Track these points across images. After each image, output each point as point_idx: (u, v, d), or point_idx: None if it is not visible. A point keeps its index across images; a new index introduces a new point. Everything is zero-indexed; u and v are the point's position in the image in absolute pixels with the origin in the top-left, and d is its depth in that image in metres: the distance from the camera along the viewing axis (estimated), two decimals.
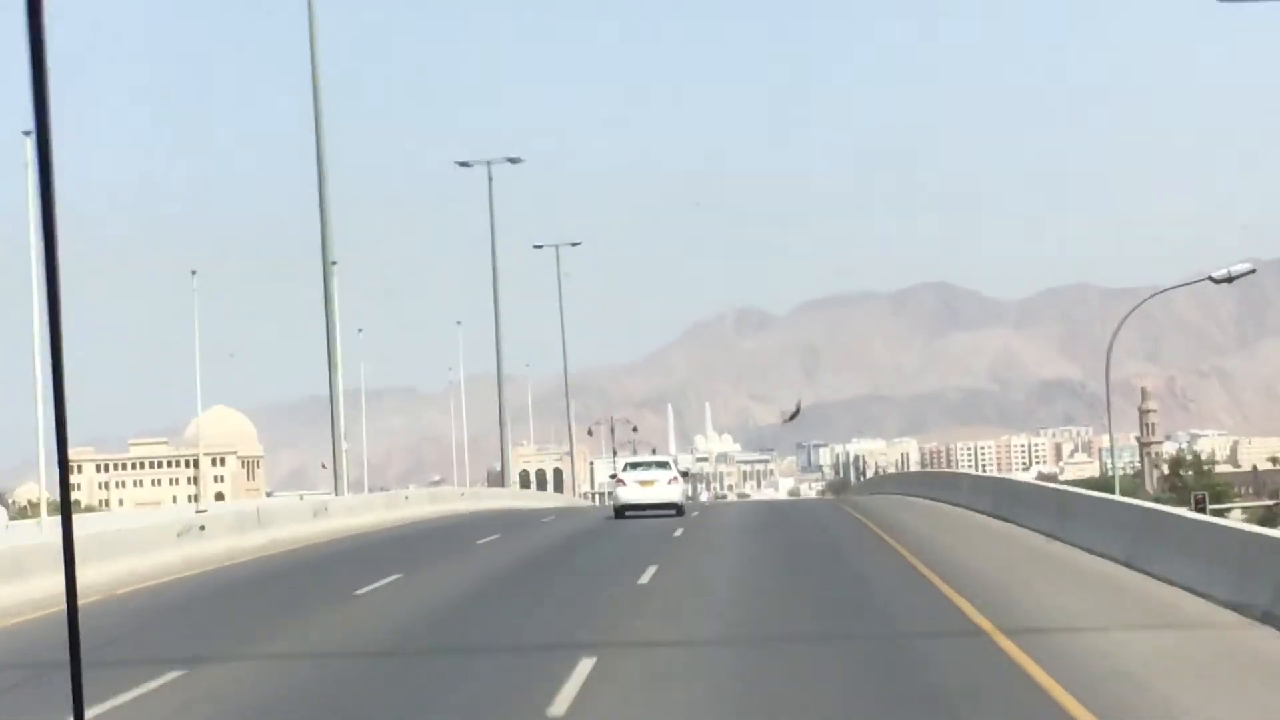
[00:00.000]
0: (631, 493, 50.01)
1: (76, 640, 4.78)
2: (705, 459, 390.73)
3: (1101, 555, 25.94)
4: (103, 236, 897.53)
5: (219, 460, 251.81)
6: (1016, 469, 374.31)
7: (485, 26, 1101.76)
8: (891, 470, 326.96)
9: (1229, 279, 52.81)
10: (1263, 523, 70.12)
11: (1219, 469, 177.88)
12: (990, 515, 38.19)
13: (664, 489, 49.81)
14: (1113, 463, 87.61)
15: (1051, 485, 36.83)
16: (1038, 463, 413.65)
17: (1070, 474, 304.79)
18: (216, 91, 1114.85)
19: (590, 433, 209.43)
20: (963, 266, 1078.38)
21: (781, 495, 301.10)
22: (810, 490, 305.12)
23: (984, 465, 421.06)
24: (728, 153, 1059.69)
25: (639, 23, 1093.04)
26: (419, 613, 22.32)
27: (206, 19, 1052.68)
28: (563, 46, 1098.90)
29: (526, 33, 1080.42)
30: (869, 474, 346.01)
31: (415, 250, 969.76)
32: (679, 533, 38.19)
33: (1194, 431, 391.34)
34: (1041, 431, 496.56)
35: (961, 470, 74.36)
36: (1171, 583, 21.58)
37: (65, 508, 4.87)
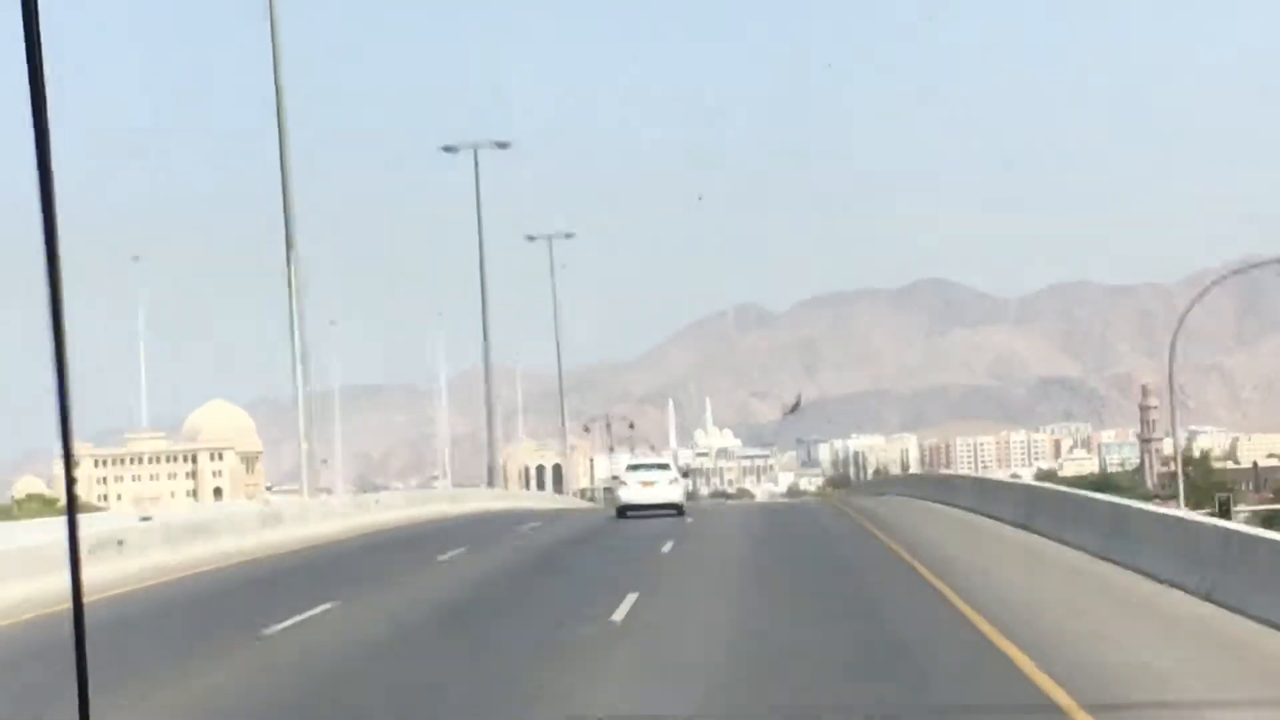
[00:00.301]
0: (633, 493, 51.08)
1: (82, 639, 4.76)
2: (705, 454, 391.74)
3: (1177, 586, 21.99)
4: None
5: (217, 455, 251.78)
6: (1016, 465, 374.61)
7: (484, 21, 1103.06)
8: (894, 470, 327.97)
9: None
10: (1266, 523, 70.12)
11: (1218, 465, 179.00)
12: (1019, 527, 35.47)
13: (665, 489, 50.90)
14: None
15: (1103, 497, 32.06)
16: (1037, 459, 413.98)
17: (1069, 470, 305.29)
18: (217, 91, 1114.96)
19: (586, 429, 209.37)
20: (963, 263, 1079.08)
21: (781, 490, 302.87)
22: (810, 485, 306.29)
23: (983, 461, 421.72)
24: (729, 148, 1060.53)
25: (640, 15, 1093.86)
26: (332, 661, 18.65)
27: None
28: (562, 40, 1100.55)
29: (525, 23, 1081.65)
30: (869, 470, 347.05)
31: (422, 246, 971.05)
32: (668, 547, 35.50)
33: (1193, 428, 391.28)
34: (1041, 428, 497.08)
35: (992, 476, 73.18)
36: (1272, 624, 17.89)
37: (71, 507, 4.85)
